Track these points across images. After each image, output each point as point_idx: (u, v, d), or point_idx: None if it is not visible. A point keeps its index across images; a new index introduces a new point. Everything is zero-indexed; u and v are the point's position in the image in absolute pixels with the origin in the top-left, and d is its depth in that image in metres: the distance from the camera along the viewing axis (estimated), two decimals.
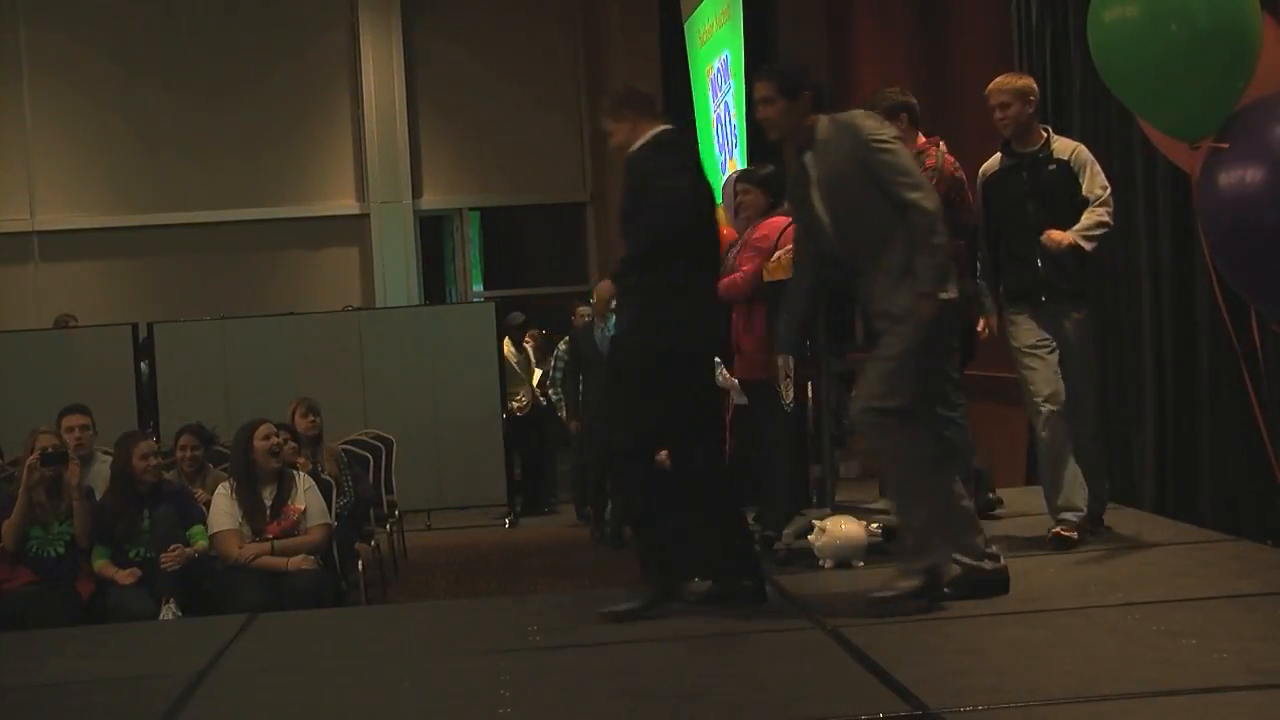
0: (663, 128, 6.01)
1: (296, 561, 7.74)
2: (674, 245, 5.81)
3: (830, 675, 4.83)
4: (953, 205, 6.92)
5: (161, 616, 7.43)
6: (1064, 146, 6.94)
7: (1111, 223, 6.77)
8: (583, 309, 12.45)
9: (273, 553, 7.75)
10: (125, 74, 17.57)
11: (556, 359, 12.65)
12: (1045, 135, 6.99)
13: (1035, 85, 7.04)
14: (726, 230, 8.01)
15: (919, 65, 12.42)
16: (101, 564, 7.73)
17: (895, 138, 5.77)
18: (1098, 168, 6.86)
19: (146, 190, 17.54)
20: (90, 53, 17.95)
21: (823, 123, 5.78)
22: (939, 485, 5.68)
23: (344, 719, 4.82)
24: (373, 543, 9.64)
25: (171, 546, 7.62)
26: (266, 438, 7.94)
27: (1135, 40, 5.69)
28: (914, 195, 5.61)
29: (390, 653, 5.76)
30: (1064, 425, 6.73)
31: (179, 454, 8.74)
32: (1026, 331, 6.87)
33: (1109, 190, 6.81)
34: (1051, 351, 6.82)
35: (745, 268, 7.78)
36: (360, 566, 8.78)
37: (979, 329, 7.33)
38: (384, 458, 10.71)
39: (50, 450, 7.80)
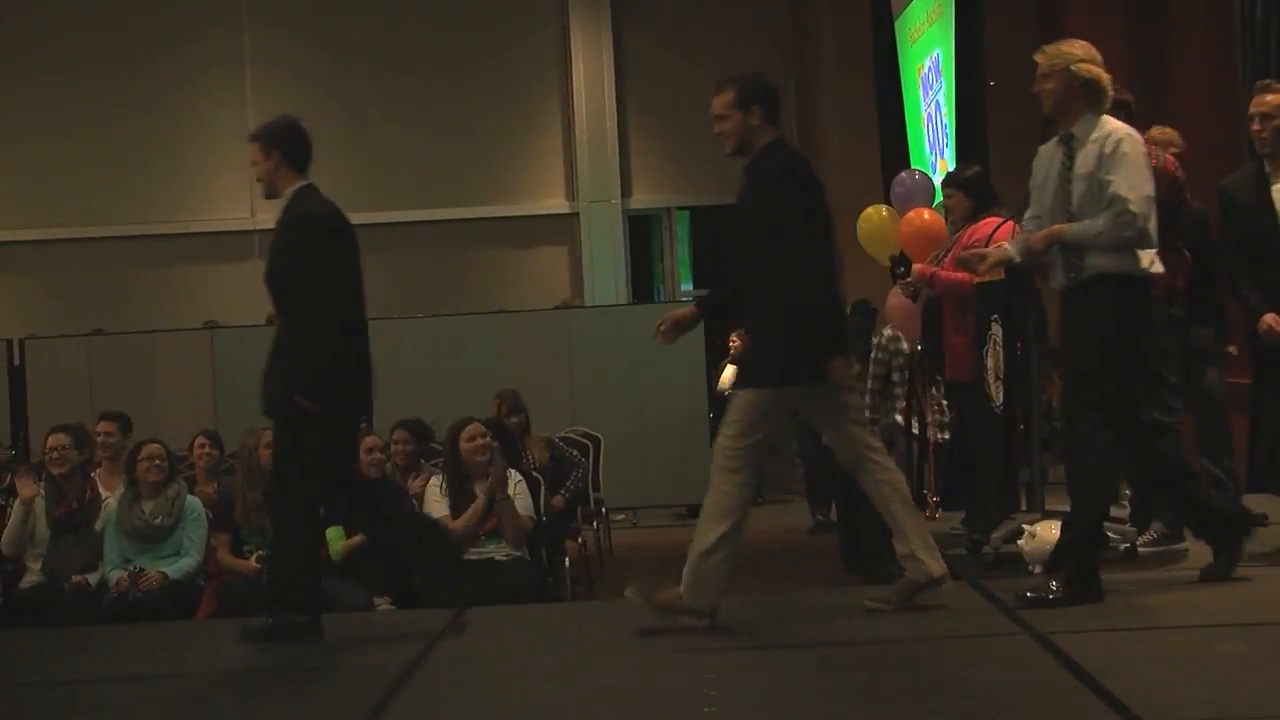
0: None
1: (504, 549, 7.96)
2: None
3: (1038, 683, 4.75)
4: (1173, 209, 6.65)
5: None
6: None
7: None
8: None
9: (479, 543, 7.98)
10: (340, 73, 17.91)
11: None
12: None
13: None
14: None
15: (1133, 63, 12.13)
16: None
17: None
18: None
19: (360, 190, 17.75)
20: (308, 52, 18.33)
21: None
22: None
23: (548, 713, 4.87)
24: (579, 539, 9.75)
25: None
26: (471, 439, 8.11)
27: None
28: None
29: (595, 648, 5.82)
30: None
31: (394, 448, 8.92)
32: None
33: None
34: None
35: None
36: (567, 563, 8.90)
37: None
38: (591, 455, 10.81)
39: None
